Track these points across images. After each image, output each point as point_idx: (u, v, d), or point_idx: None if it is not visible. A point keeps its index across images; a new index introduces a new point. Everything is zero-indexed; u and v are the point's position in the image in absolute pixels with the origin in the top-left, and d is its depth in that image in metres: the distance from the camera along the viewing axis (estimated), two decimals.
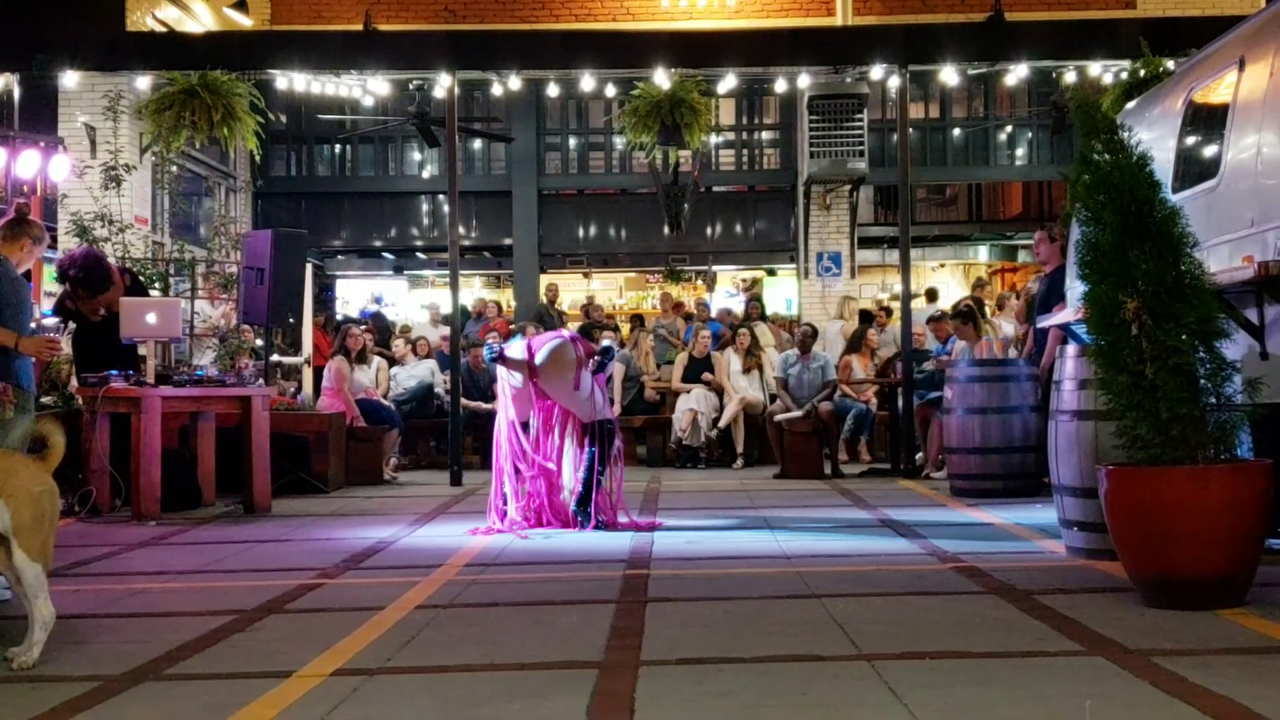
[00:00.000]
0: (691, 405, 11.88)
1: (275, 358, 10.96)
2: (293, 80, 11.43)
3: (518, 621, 4.50)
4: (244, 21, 15.13)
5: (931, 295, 15.68)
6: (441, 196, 16.16)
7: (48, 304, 9.25)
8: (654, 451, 12.61)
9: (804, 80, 12.34)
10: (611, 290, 20.24)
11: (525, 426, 7.39)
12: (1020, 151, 17.04)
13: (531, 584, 5.42)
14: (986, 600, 4.66)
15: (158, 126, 10.64)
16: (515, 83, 11.52)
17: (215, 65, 10.60)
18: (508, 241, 16.84)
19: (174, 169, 12.67)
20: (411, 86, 13.62)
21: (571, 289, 18.85)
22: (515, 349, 7.35)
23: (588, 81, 11.64)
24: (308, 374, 12.00)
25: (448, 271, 11.17)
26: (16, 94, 10.81)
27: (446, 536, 6.99)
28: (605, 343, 8.55)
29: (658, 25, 15.08)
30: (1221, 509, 4.29)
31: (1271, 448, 4.83)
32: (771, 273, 18.53)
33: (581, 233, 17.07)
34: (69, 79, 11.10)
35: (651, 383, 13.07)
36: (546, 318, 14.27)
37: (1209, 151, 6.13)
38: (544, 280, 16.42)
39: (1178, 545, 4.32)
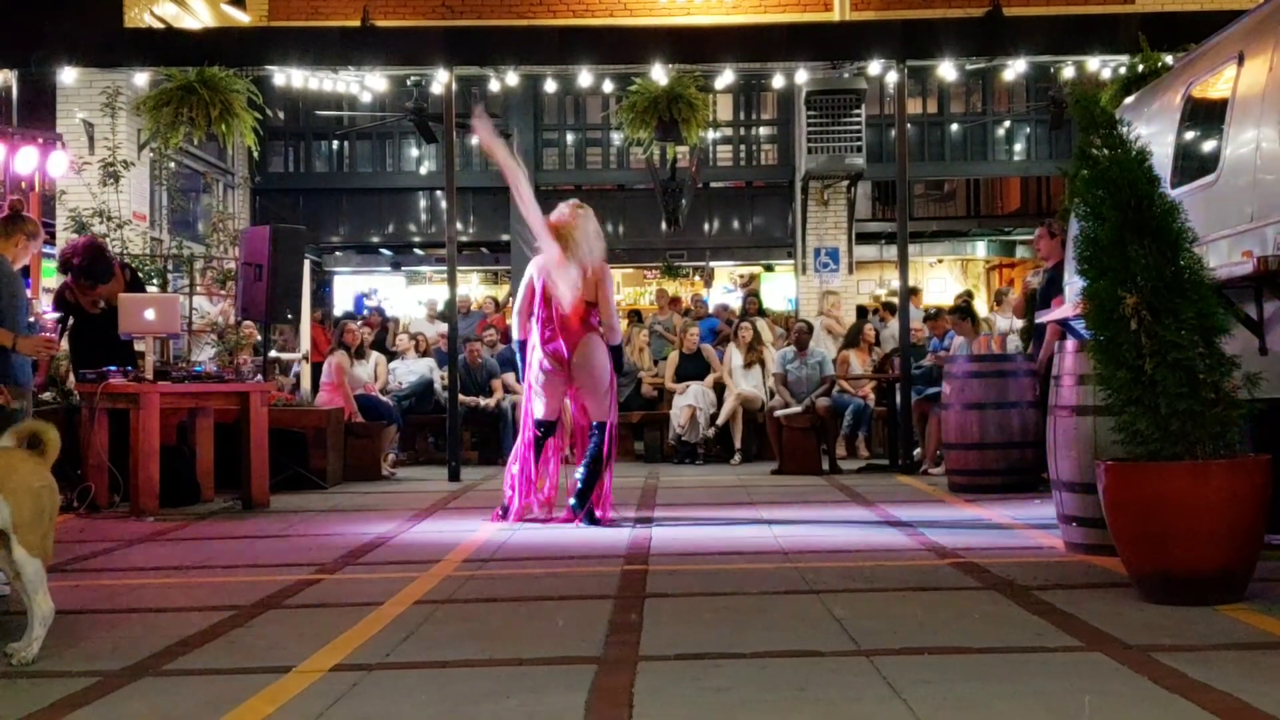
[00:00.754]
0: (690, 401, 11.88)
1: (273, 354, 10.95)
2: (290, 76, 11.41)
3: (516, 617, 4.51)
4: (241, 18, 15.12)
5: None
6: (439, 192, 16.15)
7: (46, 300, 9.24)
8: (651, 447, 12.60)
9: (802, 76, 12.33)
10: None
11: (551, 427, 7.37)
12: (1018, 147, 17.04)
13: (530, 579, 5.42)
14: (985, 596, 4.66)
15: (156, 123, 10.66)
16: (513, 78, 11.50)
17: (213, 61, 10.60)
18: (505, 238, 16.80)
19: (172, 165, 12.69)
20: (409, 82, 13.61)
21: None
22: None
23: (585, 77, 11.64)
24: (305, 370, 11.99)
25: (445, 268, 11.16)
26: (14, 90, 10.79)
27: (445, 532, 6.99)
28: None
29: (655, 21, 15.05)
30: (1221, 504, 4.29)
31: (1271, 443, 4.83)
32: (769, 268, 18.52)
33: None
34: (67, 75, 11.11)
35: (649, 379, 13.06)
36: None
37: (1208, 147, 6.13)
38: None
39: (1177, 541, 4.32)
